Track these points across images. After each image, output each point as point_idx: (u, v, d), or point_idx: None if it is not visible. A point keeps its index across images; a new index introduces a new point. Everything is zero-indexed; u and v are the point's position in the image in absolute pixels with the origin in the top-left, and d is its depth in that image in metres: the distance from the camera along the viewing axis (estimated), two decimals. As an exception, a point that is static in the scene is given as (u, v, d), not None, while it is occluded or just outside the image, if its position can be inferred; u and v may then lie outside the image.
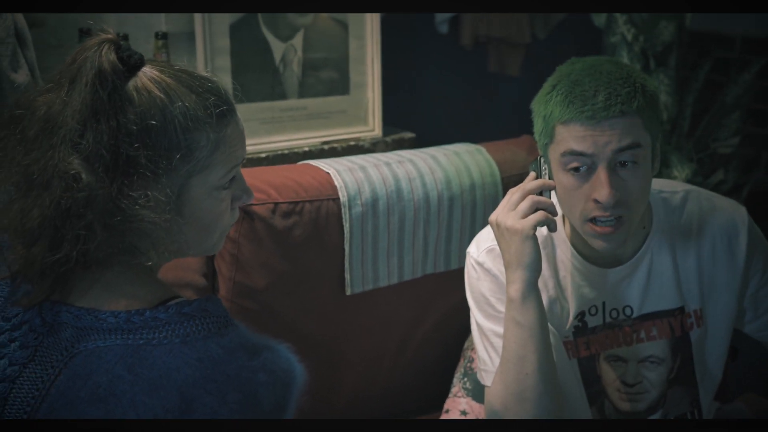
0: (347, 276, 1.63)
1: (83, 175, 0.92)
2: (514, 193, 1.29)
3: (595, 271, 1.35)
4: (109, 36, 0.96)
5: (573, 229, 1.34)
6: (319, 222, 1.60)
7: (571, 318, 1.37)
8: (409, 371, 1.77)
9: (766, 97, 2.73)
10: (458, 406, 1.68)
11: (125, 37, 1.76)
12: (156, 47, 1.87)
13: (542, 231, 1.33)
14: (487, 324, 1.35)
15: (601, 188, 1.22)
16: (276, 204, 1.56)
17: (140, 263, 0.97)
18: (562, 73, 1.27)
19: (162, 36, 1.87)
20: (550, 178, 1.30)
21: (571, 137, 1.23)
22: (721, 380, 1.45)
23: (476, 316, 1.38)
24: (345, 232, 1.62)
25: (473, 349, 1.61)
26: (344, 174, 1.65)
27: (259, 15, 1.96)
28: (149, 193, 0.94)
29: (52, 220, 0.93)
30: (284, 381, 0.93)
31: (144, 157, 0.93)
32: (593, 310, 1.37)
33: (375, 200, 1.64)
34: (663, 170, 2.41)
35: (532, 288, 1.26)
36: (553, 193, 1.31)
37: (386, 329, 1.73)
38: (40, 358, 0.95)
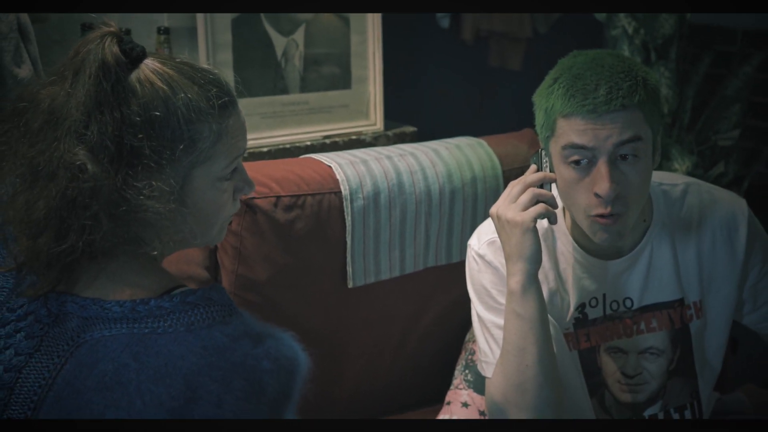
0: (349, 269, 1.64)
1: (89, 166, 0.93)
2: (514, 186, 1.29)
3: (595, 263, 1.36)
4: (112, 29, 0.97)
5: (573, 221, 1.35)
6: (321, 215, 1.61)
7: (571, 310, 1.38)
8: (410, 364, 1.78)
9: (765, 90, 2.73)
10: (459, 398, 1.69)
11: (127, 32, 1.76)
12: (158, 42, 1.87)
13: (543, 223, 1.34)
14: (488, 316, 1.36)
15: (601, 181, 1.22)
16: (278, 197, 1.57)
17: (145, 253, 0.98)
18: (564, 66, 1.28)
19: (164, 31, 1.87)
20: (551, 171, 1.31)
21: (572, 130, 1.24)
22: (720, 372, 1.46)
23: (477, 308, 1.39)
24: (347, 225, 1.63)
25: (474, 341, 1.62)
26: (346, 167, 1.65)
27: (261, 10, 1.97)
28: (153, 183, 0.95)
29: (58, 211, 0.94)
30: (288, 369, 0.94)
31: (148, 148, 0.94)
32: (594, 302, 1.38)
33: (377, 193, 1.65)
34: (664, 163, 2.41)
35: (532, 280, 1.26)
36: (553, 185, 1.31)
37: (388, 322, 1.73)
38: (45, 348, 0.96)
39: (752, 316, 1.43)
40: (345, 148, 2.01)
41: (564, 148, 1.25)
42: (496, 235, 1.32)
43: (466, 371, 1.70)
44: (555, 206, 1.29)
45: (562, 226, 1.37)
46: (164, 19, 1.91)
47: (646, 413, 1.42)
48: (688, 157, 2.39)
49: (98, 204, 0.93)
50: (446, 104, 2.72)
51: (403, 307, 1.74)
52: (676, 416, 1.43)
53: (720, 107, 2.52)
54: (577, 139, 1.23)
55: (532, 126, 1.34)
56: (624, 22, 2.45)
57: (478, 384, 1.67)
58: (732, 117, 2.50)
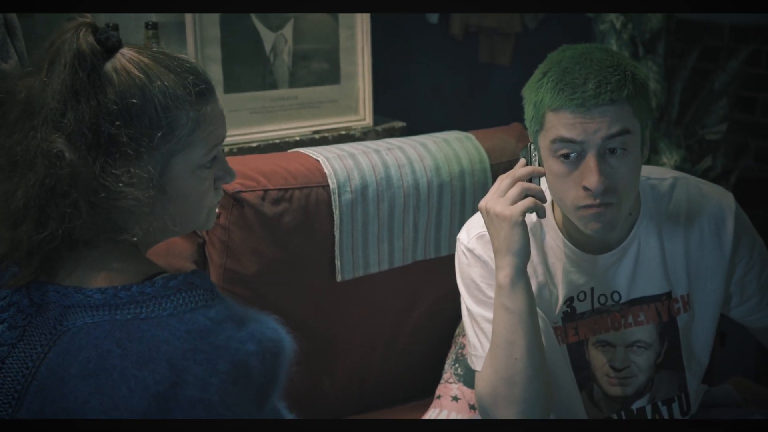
0: (338, 262, 1.64)
1: (66, 153, 0.94)
2: (503, 180, 1.30)
3: (584, 257, 1.37)
4: (87, 20, 0.98)
5: (562, 215, 1.35)
6: (308, 209, 1.61)
7: (560, 303, 1.38)
8: (402, 358, 1.78)
9: (754, 84, 2.74)
10: (450, 391, 1.69)
11: (115, 27, 1.75)
12: (146, 37, 1.86)
13: (531, 217, 1.34)
14: (477, 309, 1.37)
15: (590, 175, 1.23)
16: (266, 191, 1.57)
17: (125, 240, 0.98)
18: (553, 60, 1.28)
19: (152, 26, 1.87)
20: (540, 165, 1.31)
21: (560, 124, 1.24)
22: (708, 364, 1.47)
23: (467, 301, 1.39)
24: (335, 218, 1.63)
25: (464, 335, 1.62)
26: (333, 161, 1.66)
27: (249, 5, 1.96)
28: (132, 170, 0.96)
29: (37, 200, 0.95)
30: (273, 351, 0.95)
31: (125, 136, 0.95)
32: (582, 296, 1.38)
33: (364, 187, 1.65)
34: (652, 157, 2.42)
35: (521, 274, 1.27)
36: (543, 179, 1.32)
37: (379, 316, 1.74)
38: (28, 338, 0.96)
39: (739, 309, 1.44)
40: (334, 143, 2.01)
41: (553, 141, 1.25)
42: (486, 229, 1.32)
43: (456, 365, 1.71)
44: (544, 200, 1.29)
45: (551, 220, 1.37)
46: (152, 14, 1.90)
47: (634, 406, 1.42)
48: (676, 151, 2.40)
49: (77, 191, 0.94)
50: (436, 99, 2.72)
51: (393, 301, 1.75)
52: (663, 409, 1.44)
53: (707, 101, 2.53)
54: (566, 133, 1.23)
55: (522, 121, 1.34)
56: (612, 16, 2.46)
57: (468, 378, 1.67)
58: (719, 111, 2.51)
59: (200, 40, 1.90)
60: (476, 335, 1.37)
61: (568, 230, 1.36)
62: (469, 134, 1.84)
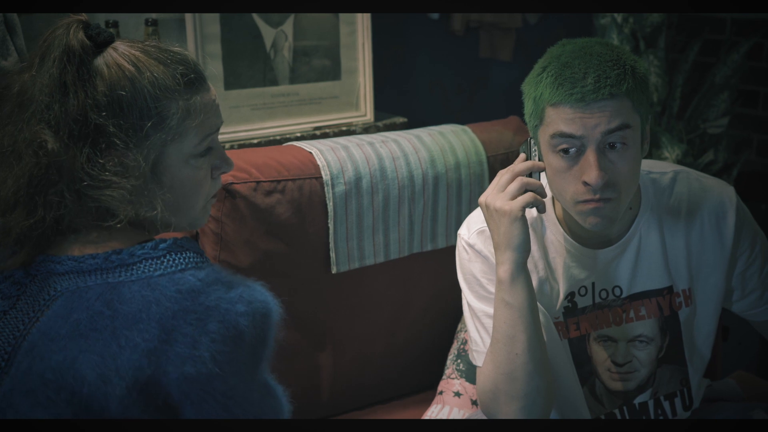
0: (332, 254, 1.64)
1: (50, 144, 0.97)
2: (503, 175, 1.30)
3: (584, 251, 1.36)
4: (80, 17, 1.02)
5: (563, 209, 1.35)
6: (302, 200, 1.61)
7: (561, 298, 1.38)
8: (402, 352, 1.78)
9: (755, 77, 2.74)
10: (452, 387, 1.69)
11: (115, 24, 1.76)
12: (146, 34, 1.86)
13: (532, 212, 1.34)
14: (478, 305, 1.37)
15: (590, 170, 1.22)
16: (258, 182, 1.58)
17: (112, 227, 1.01)
18: (553, 54, 1.27)
19: (152, 23, 1.87)
20: (539, 160, 1.31)
21: (560, 119, 1.24)
22: (710, 358, 1.46)
23: (468, 297, 1.39)
24: (329, 210, 1.63)
25: (466, 331, 1.62)
26: (326, 153, 1.66)
27: (249, 1, 1.96)
28: (117, 159, 0.99)
29: (26, 188, 0.98)
30: (263, 311, 0.97)
31: (113, 126, 0.98)
32: (583, 291, 1.38)
33: (358, 179, 1.65)
34: (654, 151, 2.42)
35: (521, 269, 1.27)
36: (542, 174, 1.32)
37: (376, 309, 1.74)
38: (21, 306, 1.00)
39: (741, 303, 1.43)
40: (335, 139, 2.01)
41: (552, 136, 1.25)
42: (486, 225, 1.32)
43: (458, 361, 1.71)
44: (544, 195, 1.29)
45: (552, 215, 1.37)
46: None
47: (636, 401, 1.42)
48: (678, 145, 2.40)
49: (62, 181, 0.97)
50: (437, 95, 2.72)
51: (390, 293, 1.75)
52: (666, 404, 1.44)
53: (709, 95, 2.52)
54: (566, 128, 1.23)
55: (522, 116, 1.34)
56: (613, 11, 2.45)
57: (470, 373, 1.68)
58: (721, 105, 2.51)
59: (200, 37, 1.90)
60: (477, 330, 1.37)
61: (569, 225, 1.36)
62: (465, 127, 1.84)
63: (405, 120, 2.21)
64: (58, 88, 0.98)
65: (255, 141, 1.97)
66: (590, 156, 1.23)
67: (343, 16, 2.09)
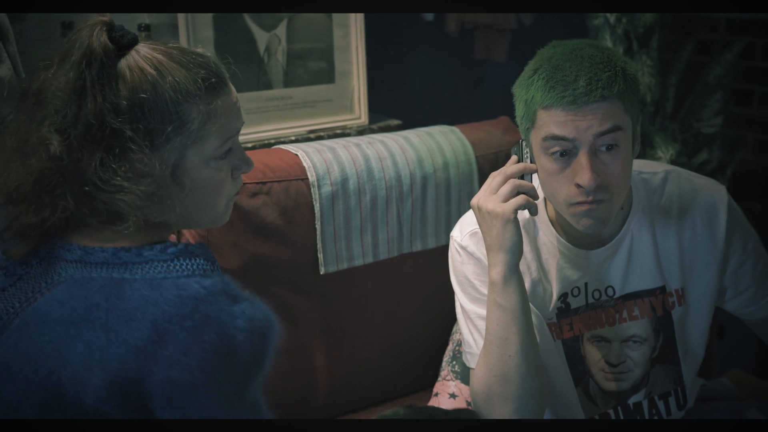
0: (320, 255, 1.65)
1: (53, 148, 0.97)
2: (495, 177, 1.30)
3: (577, 252, 1.37)
4: (103, 19, 1.02)
5: (555, 211, 1.35)
6: (288, 202, 1.62)
7: (554, 299, 1.38)
8: (397, 354, 1.78)
9: (749, 77, 2.74)
10: (447, 389, 1.70)
11: (147, 27, 1.78)
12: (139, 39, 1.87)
13: (524, 214, 1.34)
14: (471, 307, 1.37)
15: (582, 172, 1.23)
16: (242, 184, 1.58)
17: (121, 231, 1.01)
18: (543, 57, 1.28)
19: (145, 28, 1.87)
20: (531, 162, 1.31)
21: (552, 122, 1.24)
22: (704, 358, 1.47)
23: (461, 299, 1.39)
24: (315, 211, 1.63)
25: (460, 332, 1.62)
26: (312, 155, 1.67)
27: (243, 5, 1.96)
28: (133, 164, 0.99)
29: (32, 187, 0.99)
30: (262, 331, 0.96)
31: (132, 130, 0.98)
32: (576, 291, 1.39)
33: (345, 180, 1.66)
34: (648, 151, 2.42)
35: (513, 271, 1.27)
36: (534, 176, 1.32)
37: (367, 311, 1.74)
38: (22, 285, 1.01)
39: (734, 302, 1.44)
40: (329, 143, 2.01)
41: (544, 139, 1.25)
42: (479, 226, 1.33)
43: (454, 362, 1.71)
44: (536, 197, 1.29)
45: (544, 216, 1.38)
46: (145, 16, 1.90)
47: (631, 401, 1.43)
48: (672, 145, 2.40)
49: (66, 183, 0.98)
50: (431, 97, 2.72)
51: (381, 294, 1.75)
52: (660, 403, 1.44)
53: (702, 95, 2.53)
54: (558, 131, 1.23)
55: (514, 117, 1.34)
56: (606, 11, 2.46)
57: (466, 375, 1.68)
58: (714, 104, 2.51)
59: (193, 41, 1.90)
60: (470, 333, 1.37)
61: (561, 226, 1.37)
62: (453, 127, 1.85)
63: (400, 122, 2.21)
64: (74, 92, 0.98)
65: (249, 145, 1.97)
66: (582, 158, 1.23)
67: (336, 18, 2.09)
